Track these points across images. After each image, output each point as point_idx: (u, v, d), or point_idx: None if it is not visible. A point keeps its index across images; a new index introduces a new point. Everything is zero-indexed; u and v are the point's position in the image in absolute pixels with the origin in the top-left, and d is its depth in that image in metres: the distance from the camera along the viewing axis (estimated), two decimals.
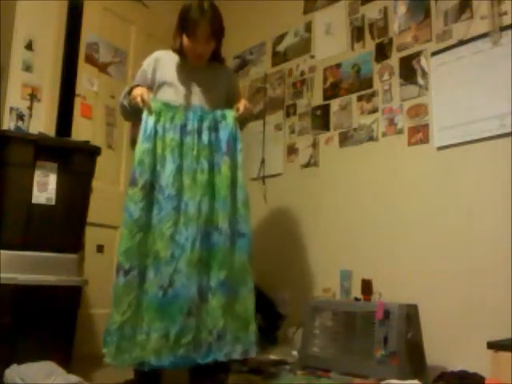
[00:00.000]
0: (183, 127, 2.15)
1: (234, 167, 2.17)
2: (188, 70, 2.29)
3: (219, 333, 2.02)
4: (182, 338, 1.97)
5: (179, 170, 2.10)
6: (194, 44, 2.18)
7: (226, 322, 2.04)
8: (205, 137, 2.16)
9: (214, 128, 2.19)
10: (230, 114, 2.22)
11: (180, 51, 2.28)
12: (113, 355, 1.96)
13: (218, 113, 2.22)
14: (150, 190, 2.08)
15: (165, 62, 2.30)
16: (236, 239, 2.13)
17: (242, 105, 2.25)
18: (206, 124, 2.17)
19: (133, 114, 2.28)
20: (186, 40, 2.19)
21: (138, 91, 2.17)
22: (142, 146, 2.10)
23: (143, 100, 2.12)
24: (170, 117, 2.14)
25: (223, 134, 2.19)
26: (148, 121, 2.13)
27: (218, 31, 2.21)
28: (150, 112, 2.13)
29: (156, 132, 2.12)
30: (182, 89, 2.26)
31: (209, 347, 2.01)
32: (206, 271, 2.06)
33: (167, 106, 2.16)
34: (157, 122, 2.13)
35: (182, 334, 1.97)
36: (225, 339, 2.03)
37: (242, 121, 2.36)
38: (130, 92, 2.24)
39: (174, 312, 1.99)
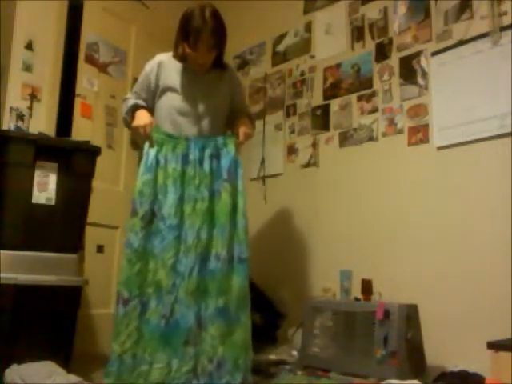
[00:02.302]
0: (185, 157, 2.15)
1: (234, 193, 2.17)
2: (191, 75, 2.29)
3: (219, 361, 2.02)
4: (182, 366, 1.99)
5: (181, 200, 2.11)
6: (196, 54, 2.18)
7: (225, 349, 2.04)
8: (206, 165, 2.16)
9: (216, 156, 2.19)
10: (231, 141, 2.22)
11: (182, 59, 2.27)
12: None
13: (220, 140, 2.22)
14: (151, 219, 2.09)
15: (168, 67, 2.30)
16: (235, 265, 2.12)
17: (242, 133, 2.24)
18: (207, 152, 2.17)
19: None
20: (187, 49, 2.19)
21: (141, 121, 2.16)
22: (142, 177, 2.12)
23: (145, 134, 2.13)
24: (171, 147, 2.15)
25: (224, 162, 2.19)
26: (149, 152, 2.14)
27: (219, 41, 2.20)
28: (152, 145, 2.14)
29: (158, 162, 2.13)
30: (185, 94, 2.26)
31: (209, 376, 2.01)
32: (203, 299, 2.06)
33: (169, 136, 2.17)
34: (159, 151, 2.14)
35: (183, 362, 1.99)
36: (225, 367, 2.02)
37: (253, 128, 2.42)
38: (133, 110, 2.23)
39: (175, 342, 2.00)
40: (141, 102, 2.27)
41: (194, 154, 2.16)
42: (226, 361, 2.03)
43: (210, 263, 2.08)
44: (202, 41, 2.12)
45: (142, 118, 2.18)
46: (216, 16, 2.16)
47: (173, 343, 2.00)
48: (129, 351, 1.98)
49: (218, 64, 2.32)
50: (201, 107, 2.27)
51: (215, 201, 2.15)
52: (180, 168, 2.13)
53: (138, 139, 2.38)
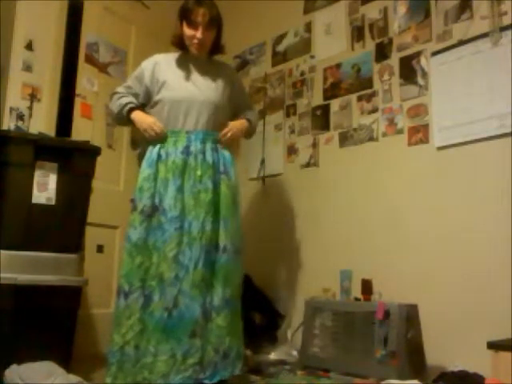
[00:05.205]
0: (186, 148, 2.18)
1: (231, 186, 2.23)
2: (189, 66, 2.33)
3: (225, 351, 2.05)
4: (188, 358, 1.99)
5: (180, 191, 2.13)
6: (194, 31, 2.23)
7: (231, 339, 2.07)
8: (209, 157, 2.20)
9: (215, 149, 2.24)
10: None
11: (180, 43, 2.31)
12: (114, 376, 1.99)
13: (217, 135, 2.27)
14: (152, 213, 2.11)
15: (165, 64, 2.33)
16: (237, 256, 2.17)
17: (223, 133, 2.29)
18: (208, 145, 2.21)
19: (125, 122, 2.35)
20: (186, 29, 2.25)
21: (145, 124, 2.22)
22: (143, 172, 2.18)
23: (160, 130, 2.19)
24: (173, 141, 2.19)
25: (221, 155, 2.25)
26: (153, 149, 2.20)
27: (215, 18, 2.26)
28: (165, 139, 2.20)
29: (159, 157, 2.17)
30: (184, 84, 2.29)
31: (215, 367, 2.02)
32: (209, 290, 2.08)
33: (170, 132, 2.21)
34: (161, 147, 2.19)
35: (189, 354, 2.00)
36: (230, 357, 2.05)
37: (249, 133, 2.50)
38: (128, 111, 2.27)
39: (180, 333, 2.01)
40: (134, 101, 2.30)
41: (195, 146, 2.19)
42: (232, 350, 2.07)
43: (216, 254, 2.11)
44: (198, 16, 2.20)
45: (145, 118, 2.24)
46: (211, 0, 2.28)
47: (177, 335, 2.01)
48: (131, 342, 2.00)
49: (216, 48, 2.36)
50: (199, 100, 2.27)
51: (218, 192, 2.18)
52: (180, 160, 2.16)
53: (137, 135, 2.41)
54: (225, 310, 2.06)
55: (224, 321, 2.05)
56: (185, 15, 2.23)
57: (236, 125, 2.37)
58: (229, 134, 2.30)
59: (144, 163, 2.19)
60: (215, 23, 2.26)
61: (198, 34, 2.22)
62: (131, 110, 2.27)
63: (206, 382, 2.00)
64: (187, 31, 2.24)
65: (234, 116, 2.44)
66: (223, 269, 2.10)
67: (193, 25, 2.22)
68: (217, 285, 2.08)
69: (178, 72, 2.31)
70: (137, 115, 2.26)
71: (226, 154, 2.28)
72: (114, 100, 2.32)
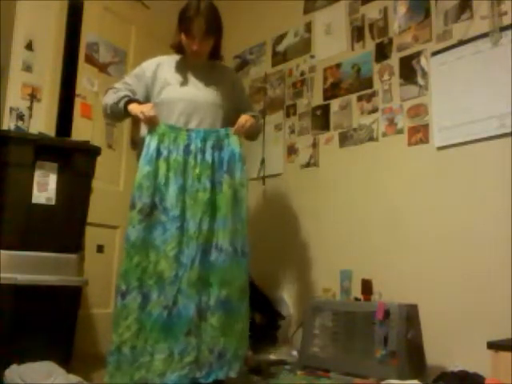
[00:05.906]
0: (186, 147, 2.16)
1: (233, 185, 2.17)
2: (191, 69, 2.34)
3: (220, 351, 2.04)
4: (185, 357, 1.99)
5: (182, 190, 2.11)
6: (190, 41, 2.24)
7: (226, 340, 2.06)
8: (208, 156, 2.16)
9: (218, 147, 2.19)
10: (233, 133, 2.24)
11: (179, 48, 2.33)
12: (111, 375, 1.99)
13: (222, 132, 2.23)
14: (151, 212, 2.09)
15: (167, 65, 2.34)
16: (238, 258, 2.13)
17: (238, 122, 2.25)
18: (209, 143, 2.18)
19: (121, 117, 2.33)
20: (183, 37, 2.26)
21: (142, 107, 2.17)
22: (142, 169, 2.12)
23: (150, 115, 2.14)
24: (173, 138, 2.16)
25: (226, 153, 2.19)
26: (150, 143, 2.14)
27: (212, 29, 2.25)
28: (157, 123, 2.15)
29: (160, 153, 2.13)
30: (185, 86, 2.30)
31: (210, 366, 2.02)
32: (205, 289, 2.07)
33: (170, 127, 2.18)
34: (160, 143, 2.14)
35: (185, 353, 1.99)
36: (225, 357, 2.05)
37: (251, 135, 2.42)
38: (125, 103, 2.24)
39: (177, 332, 2.01)
40: (131, 95, 2.28)
41: (195, 145, 2.16)
42: (227, 351, 2.05)
43: (212, 254, 2.09)
44: (195, 27, 2.19)
45: (141, 105, 2.20)
46: (211, 7, 2.25)
47: (174, 334, 2.00)
48: (128, 342, 1.99)
49: (215, 55, 2.37)
50: (200, 102, 2.27)
51: (217, 192, 2.15)
52: (181, 158, 2.14)
53: (135, 135, 2.39)
54: (219, 311, 2.05)
55: (218, 321, 2.04)
56: (182, 24, 2.24)
57: (242, 117, 2.30)
58: (245, 123, 2.25)
59: (142, 160, 2.14)
60: (212, 32, 2.25)
61: (194, 47, 2.24)
62: (129, 102, 2.24)
63: (201, 381, 2.00)
64: (184, 40, 2.26)
65: (236, 118, 2.42)
66: (220, 269, 2.08)
67: (190, 35, 2.23)
68: (213, 285, 2.08)
69: (179, 74, 2.32)
70: (134, 105, 2.22)
71: (236, 149, 2.20)
72: (110, 93, 2.30)
